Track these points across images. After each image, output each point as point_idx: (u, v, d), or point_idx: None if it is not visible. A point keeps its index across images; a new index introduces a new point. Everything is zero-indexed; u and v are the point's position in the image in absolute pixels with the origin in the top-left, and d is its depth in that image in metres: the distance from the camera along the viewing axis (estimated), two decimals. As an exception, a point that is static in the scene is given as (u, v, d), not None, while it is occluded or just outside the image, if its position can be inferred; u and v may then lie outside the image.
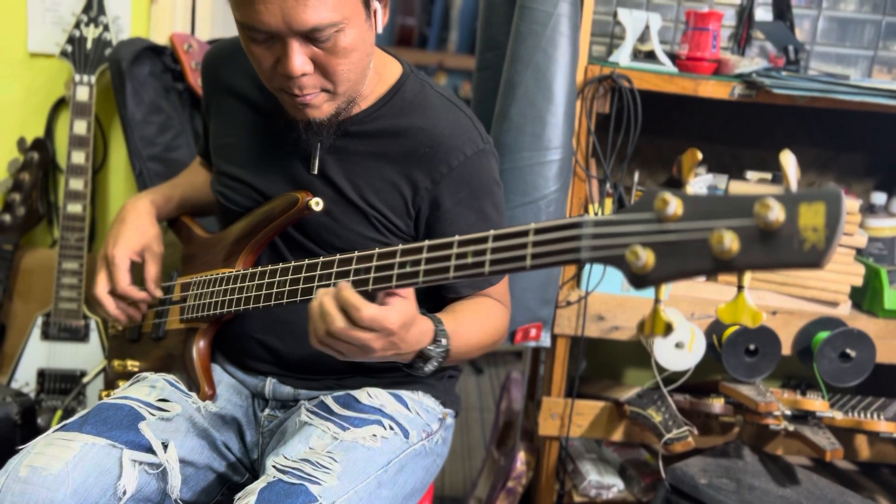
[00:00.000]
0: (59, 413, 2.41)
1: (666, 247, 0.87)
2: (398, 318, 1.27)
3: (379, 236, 1.58)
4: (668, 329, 0.90)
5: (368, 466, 1.46)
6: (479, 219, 1.58)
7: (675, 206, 0.85)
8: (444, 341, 1.42)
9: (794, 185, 0.81)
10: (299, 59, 1.38)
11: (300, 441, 1.48)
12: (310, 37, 1.36)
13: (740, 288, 0.85)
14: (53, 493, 1.33)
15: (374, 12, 1.46)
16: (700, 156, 0.87)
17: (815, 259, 0.79)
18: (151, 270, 1.72)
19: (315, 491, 1.35)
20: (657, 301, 0.91)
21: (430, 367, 1.42)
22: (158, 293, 1.72)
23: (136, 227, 1.72)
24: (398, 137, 1.57)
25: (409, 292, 1.31)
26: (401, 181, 1.57)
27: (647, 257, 0.87)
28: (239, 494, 1.38)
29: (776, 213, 0.79)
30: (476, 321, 1.57)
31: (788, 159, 0.81)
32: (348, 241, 1.58)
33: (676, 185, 2.51)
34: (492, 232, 1.13)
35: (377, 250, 1.29)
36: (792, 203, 0.80)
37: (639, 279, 0.89)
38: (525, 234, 1.08)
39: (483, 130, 1.62)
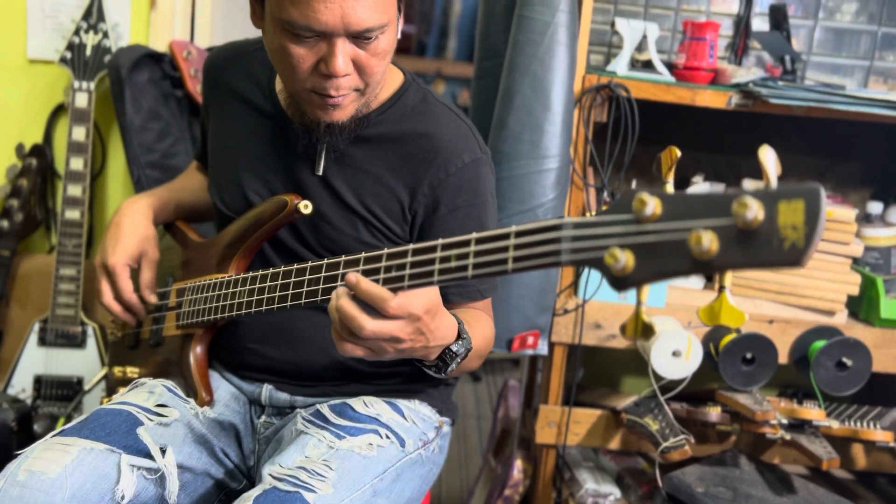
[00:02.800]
0: (61, 420, 2.41)
1: (645, 248, 0.87)
2: (421, 302, 1.24)
3: (374, 241, 1.59)
4: (648, 331, 0.90)
5: (364, 475, 1.46)
6: (476, 227, 1.58)
7: (653, 206, 0.85)
8: (467, 337, 1.40)
9: (773, 182, 0.80)
10: (343, 59, 1.40)
11: (296, 449, 1.48)
12: (359, 37, 1.39)
13: (721, 288, 0.85)
14: (51, 498, 1.33)
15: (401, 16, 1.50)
16: (678, 153, 0.87)
17: (795, 258, 0.78)
18: (146, 276, 1.73)
19: (310, 499, 1.35)
20: (639, 303, 0.91)
21: (452, 366, 1.39)
22: (153, 299, 1.73)
23: (132, 233, 1.73)
24: (398, 142, 1.58)
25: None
26: (399, 185, 1.58)
27: (626, 259, 0.86)
28: (234, 502, 1.38)
29: (755, 212, 0.78)
30: (479, 330, 1.56)
31: (767, 155, 0.80)
32: (342, 245, 1.59)
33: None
34: (474, 235, 1.13)
35: (363, 254, 1.29)
36: (771, 201, 0.79)
37: (619, 281, 0.89)
38: (506, 236, 1.07)
39: (481, 140, 1.63)
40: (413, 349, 1.29)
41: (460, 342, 1.38)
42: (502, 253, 1.07)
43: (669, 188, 0.87)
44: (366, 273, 1.27)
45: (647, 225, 0.86)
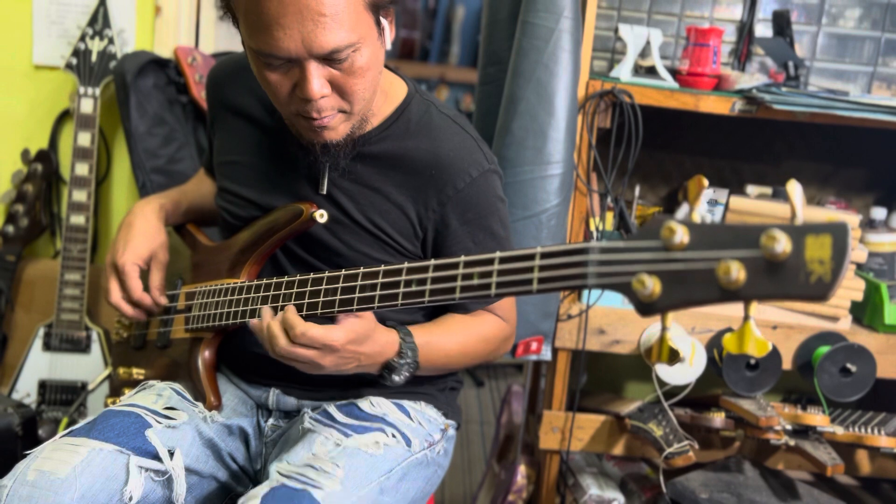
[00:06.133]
0: (65, 420, 2.42)
1: (672, 275, 0.88)
2: (342, 335, 1.37)
3: (386, 256, 1.60)
4: (675, 357, 0.91)
5: (371, 473, 1.47)
6: (487, 236, 1.60)
7: (681, 234, 0.86)
8: (409, 353, 1.49)
9: (800, 216, 0.82)
10: (318, 82, 1.38)
11: (303, 447, 1.48)
12: (328, 59, 1.37)
13: (746, 318, 0.85)
14: (60, 498, 1.34)
15: (383, 29, 1.47)
16: (706, 182, 0.87)
17: (821, 292, 0.79)
18: (155, 278, 1.74)
19: (318, 496, 1.36)
20: (664, 329, 0.92)
21: (397, 378, 1.50)
22: (163, 300, 1.74)
23: (143, 234, 1.73)
24: (404, 160, 1.58)
25: (367, 312, 1.40)
26: (407, 203, 1.58)
27: (653, 285, 0.87)
28: (242, 499, 1.39)
29: (783, 245, 0.79)
30: (460, 332, 1.60)
31: (795, 189, 0.82)
32: (354, 262, 1.59)
33: (675, 199, 2.52)
34: (498, 254, 1.14)
35: (382, 267, 1.30)
36: (798, 235, 0.81)
37: (645, 307, 0.90)
38: (531, 257, 1.08)
39: (487, 150, 1.63)
40: (343, 371, 1.44)
41: (398, 357, 1.49)
42: (527, 273, 1.08)
43: (697, 217, 0.88)
44: (384, 286, 1.29)
45: (675, 253, 0.87)
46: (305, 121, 1.46)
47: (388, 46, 1.50)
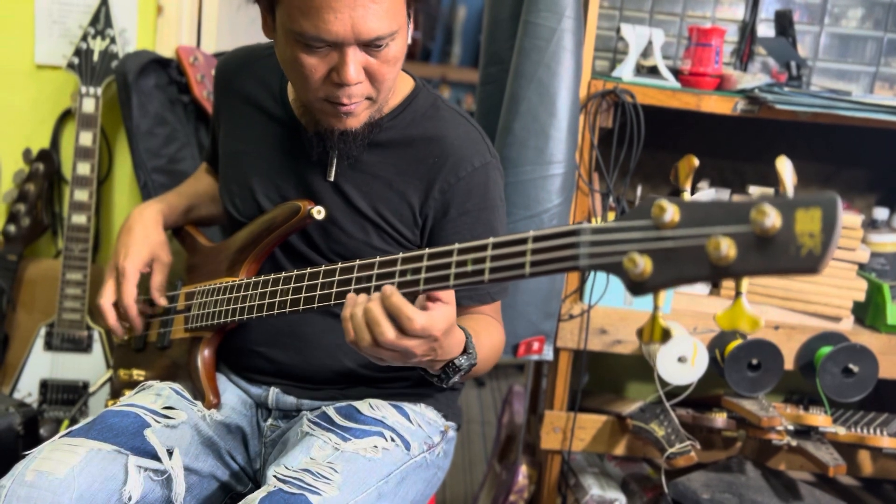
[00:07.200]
0: (65, 423, 2.41)
1: (663, 253, 0.88)
2: (443, 324, 1.27)
3: (385, 246, 1.60)
4: (666, 336, 0.91)
5: (369, 477, 1.46)
6: (486, 231, 1.60)
7: (671, 212, 0.86)
8: (473, 353, 1.42)
9: (790, 191, 0.82)
10: (355, 67, 1.41)
11: (301, 451, 1.48)
12: (369, 45, 1.40)
13: (738, 294, 0.85)
14: (59, 498, 1.34)
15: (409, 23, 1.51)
16: (696, 162, 0.88)
17: (812, 264, 0.79)
18: (157, 279, 1.74)
19: (315, 501, 1.35)
20: (655, 308, 0.92)
21: (455, 379, 1.41)
22: (163, 301, 1.73)
23: (144, 238, 1.74)
24: (409, 147, 1.59)
25: (450, 296, 1.30)
26: (409, 190, 1.59)
27: (644, 264, 0.87)
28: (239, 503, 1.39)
29: (772, 219, 0.79)
30: (487, 339, 1.57)
31: (785, 165, 0.82)
32: (353, 250, 1.59)
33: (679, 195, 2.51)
34: (491, 240, 1.15)
35: (378, 258, 1.30)
36: (788, 209, 0.80)
37: (637, 286, 0.90)
38: (524, 241, 1.09)
39: (490, 144, 1.65)
40: (420, 361, 1.32)
41: (465, 357, 1.40)
42: (520, 258, 1.08)
43: (687, 196, 0.88)
44: (380, 277, 1.28)
45: (665, 231, 0.87)
46: (332, 106, 1.47)
47: (409, 40, 1.53)
